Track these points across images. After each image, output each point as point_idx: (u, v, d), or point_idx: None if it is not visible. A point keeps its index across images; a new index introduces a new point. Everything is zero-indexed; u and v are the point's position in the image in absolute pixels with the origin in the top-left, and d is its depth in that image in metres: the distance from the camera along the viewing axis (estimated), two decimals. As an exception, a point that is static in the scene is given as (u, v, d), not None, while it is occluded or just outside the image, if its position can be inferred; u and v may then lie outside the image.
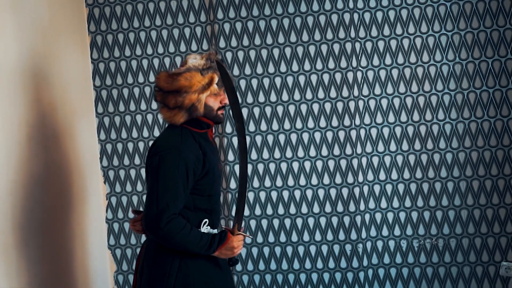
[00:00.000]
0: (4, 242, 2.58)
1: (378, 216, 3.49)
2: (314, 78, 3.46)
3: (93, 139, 3.60)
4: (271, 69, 3.48)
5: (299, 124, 3.48)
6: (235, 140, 3.51)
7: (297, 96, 3.47)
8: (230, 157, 3.52)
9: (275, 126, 3.49)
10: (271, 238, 3.53)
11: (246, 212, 3.53)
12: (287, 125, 3.49)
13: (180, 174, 2.25)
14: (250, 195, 3.53)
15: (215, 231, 2.41)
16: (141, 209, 3.61)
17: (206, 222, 2.38)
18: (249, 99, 3.50)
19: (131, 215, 3.61)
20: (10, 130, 2.68)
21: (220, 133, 3.53)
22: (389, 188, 3.48)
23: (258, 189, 3.52)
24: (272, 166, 3.52)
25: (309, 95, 3.47)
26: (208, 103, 2.35)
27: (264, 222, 3.53)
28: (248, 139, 3.51)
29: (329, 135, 3.47)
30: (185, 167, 2.26)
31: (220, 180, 2.49)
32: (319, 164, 3.49)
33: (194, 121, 2.36)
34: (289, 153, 3.50)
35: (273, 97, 3.50)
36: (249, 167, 3.52)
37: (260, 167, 3.52)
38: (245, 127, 2.37)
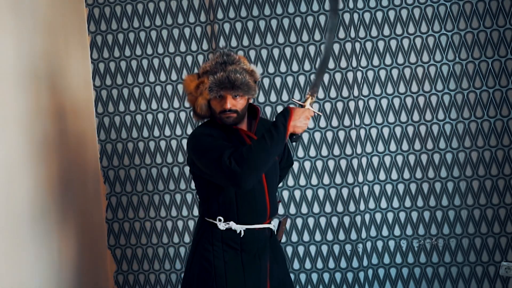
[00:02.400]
0: (4, 242, 2.58)
1: (378, 216, 3.50)
2: (313, 78, 3.45)
3: (93, 139, 3.60)
4: (271, 69, 3.48)
5: (299, 124, 3.48)
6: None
7: (297, 96, 3.47)
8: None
9: (275, 126, 3.49)
10: (271, 238, 3.53)
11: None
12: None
13: (212, 139, 2.31)
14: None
15: (240, 227, 2.38)
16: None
17: (221, 219, 2.38)
18: (249, 99, 3.50)
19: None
20: (10, 130, 2.68)
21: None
22: (389, 188, 3.48)
23: (258, 189, 3.52)
24: (272, 166, 3.51)
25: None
26: (212, 106, 2.37)
27: (264, 222, 3.53)
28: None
29: (329, 135, 3.47)
30: (212, 137, 2.32)
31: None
32: (319, 164, 3.49)
33: (214, 120, 2.44)
34: (289, 153, 3.50)
35: (273, 97, 3.50)
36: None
37: (260, 167, 3.52)
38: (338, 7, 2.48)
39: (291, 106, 2.32)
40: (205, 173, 2.33)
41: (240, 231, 2.38)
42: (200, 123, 2.51)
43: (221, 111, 2.33)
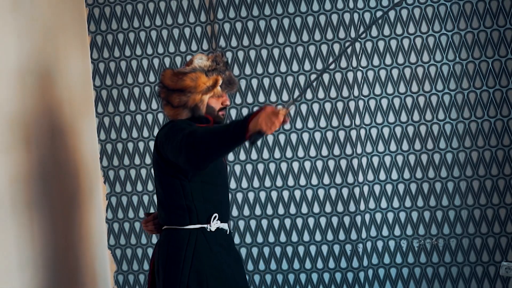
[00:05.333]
0: (4, 242, 2.58)
1: (378, 216, 3.49)
2: (314, 78, 3.46)
3: (93, 139, 3.60)
4: (271, 69, 3.48)
5: (299, 124, 3.48)
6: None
7: (297, 96, 3.47)
8: (230, 157, 3.51)
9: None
10: (271, 238, 3.53)
11: (246, 212, 3.53)
12: (287, 125, 3.49)
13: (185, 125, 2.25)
14: (250, 195, 3.53)
15: (225, 225, 2.38)
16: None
17: (216, 216, 2.35)
18: (249, 99, 3.50)
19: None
20: (10, 130, 2.68)
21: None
22: (389, 188, 3.48)
23: (258, 189, 3.52)
24: (272, 166, 3.51)
25: (309, 95, 3.46)
26: (211, 104, 2.37)
27: (264, 222, 3.53)
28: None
29: (329, 135, 3.47)
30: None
31: (225, 173, 2.48)
32: (319, 164, 3.49)
33: (202, 118, 2.37)
34: (289, 153, 3.50)
35: (273, 97, 3.49)
36: (249, 167, 3.52)
37: (260, 167, 3.52)
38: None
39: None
40: (171, 165, 2.26)
41: (227, 229, 2.40)
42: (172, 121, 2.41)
43: (221, 108, 2.40)
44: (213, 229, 2.34)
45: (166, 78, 2.37)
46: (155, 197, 3.60)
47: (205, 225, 2.33)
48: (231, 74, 2.42)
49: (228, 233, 2.42)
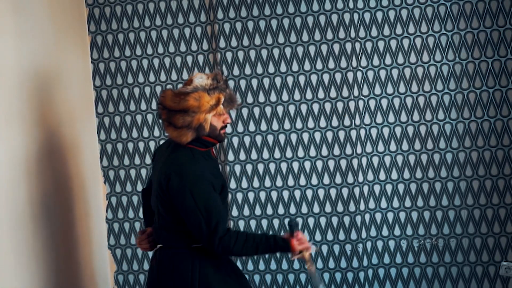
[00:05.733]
0: (5, 242, 2.58)
1: (378, 216, 3.49)
2: (314, 78, 3.46)
3: (93, 139, 3.60)
4: (271, 69, 3.48)
5: (299, 124, 3.48)
6: (235, 140, 3.51)
7: (297, 96, 3.47)
8: (230, 157, 3.51)
9: (275, 126, 3.49)
10: (271, 238, 3.53)
11: (246, 212, 3.53)
12: (287, 125, 3.49)
13: (213, 195, 2.31)
14: (250, 195, 3.53)
15: None
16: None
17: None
18: (249, 99, 3.50)
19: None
20: (10, 130, 2.68)
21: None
22: (389, 188, 3.48)
23: (258, 189, 3.52)
24: (272, 166, 3.51)
25: (309, 95, 3.47)
26: (213, 123, 2.37)
27: (264, 222, 3.53)
28: (248, 139, 3.51)
29: (329, 135, 3.47)
30: (212, 188, 2.33)
31: (227, 194, 2.59)
32: (319, 164, 3.49)
33: (198, 140, 2.38)
34: (289, 153, 3.50)
35: (273, 97, 3.50)
36: (249, 167, 3.52)
37: (260, 167, 3.52)
38: None
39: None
40: (176, 211, 2.35)
41: None
42: (177, 146, 2.41)
43: (223, 126, 2.42)
44: None
45: (167, 99, 2.34)
46: (155, 197, 3.60)
47: None
48: (231, 91, 2.43)
49: None
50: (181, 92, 2.34)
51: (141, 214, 3.62)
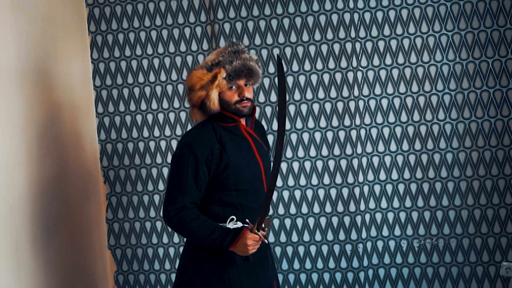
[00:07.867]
0: (4, 242, 2.58)
1: (378, 216, 3.49)
2: (314, 78, 3.46)
3: (93, 139, 3.60)
4: (271, 69, 3.48)
5: (299, 124, 3.48)
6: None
7: (297, 96, 3.47)
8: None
9: (275, 126, 3.49)
10: (271, 238, 3.53)
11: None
12: (287, 125, 3.49)
13: (190, 169, 2.25)
14: (250, 195, 3.53)
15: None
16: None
17: (233, 218, 2.32)
18: (249, 99, 3.50)
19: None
20: (10, 131, 2.68)
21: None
22: (389, 188, 3.48)
23: (258, 189, 3.52)
24: (272, 166, 3.51)
25: (309, 95, 3.46)
26: (225, 98, 2.31)
27: (264, 222, 3.53)
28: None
29: (329, 135, 3.47)
30: (195, 162, 2.25)
31: (252, 174, 2.38)
32: (319, 164, 3.49)
33: (220, 115, 2.33)
34: (289, 153, 3.50)
35: (273, 97, 3.49)
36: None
37: (260, 167, 3.52)
38: (284, 130, 2.29)
39: (246, 226, 2.33)
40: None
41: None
42: (199, 122, 2.40)
43: (238, 100, 2.31)
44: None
45: (187, 79, 2.38)
46: (155, 197, 3.60)
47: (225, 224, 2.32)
48: (244, 62, 2.29)
49: None
50: (190, 71, 2.38)
51: (141, 214, 3.62)
